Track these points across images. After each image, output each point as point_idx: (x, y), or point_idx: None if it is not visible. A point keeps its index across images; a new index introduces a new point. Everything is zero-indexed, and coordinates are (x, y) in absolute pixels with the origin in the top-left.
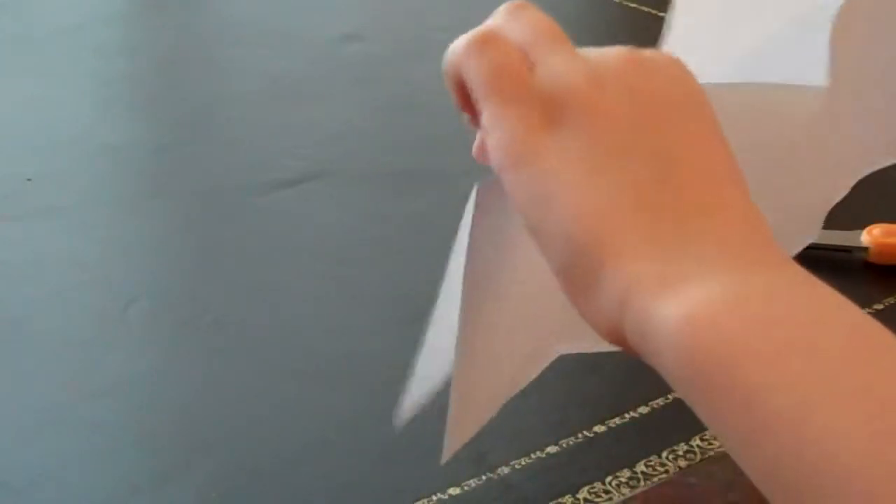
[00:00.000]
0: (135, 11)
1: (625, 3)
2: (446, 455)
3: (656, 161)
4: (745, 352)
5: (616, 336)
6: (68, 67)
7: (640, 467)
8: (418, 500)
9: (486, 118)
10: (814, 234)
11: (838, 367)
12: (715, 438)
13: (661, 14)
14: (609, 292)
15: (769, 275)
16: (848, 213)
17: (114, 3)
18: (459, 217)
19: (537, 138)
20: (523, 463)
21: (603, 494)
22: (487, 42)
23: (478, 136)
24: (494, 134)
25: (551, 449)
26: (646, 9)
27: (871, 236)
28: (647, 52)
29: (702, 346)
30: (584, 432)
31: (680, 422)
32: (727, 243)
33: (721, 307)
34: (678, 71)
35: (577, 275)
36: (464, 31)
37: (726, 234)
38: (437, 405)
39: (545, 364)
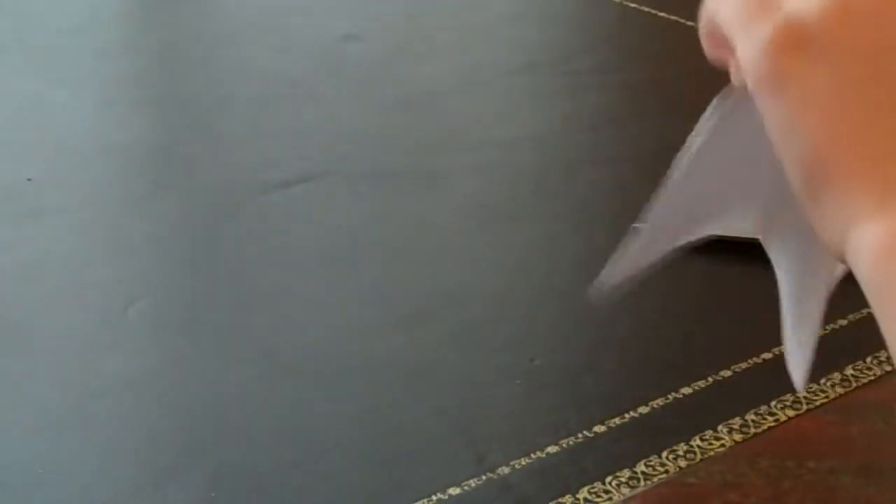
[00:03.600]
0: (135, 12)
1: (625, 2)
2: (802, 383)
3: (880, 91)
4: None
5: (839, 255)
6: (69, 68)
7: (640, 467)
8: (418, 500)
9: (739, 43)
10: None
11: None
12: (715, 438)
13: (661, 14)
14: (834, 230)
15: None
16: None
17: (114, 3)
18: (459, 217)
19: (785, 62)
20: (523, 463)
21: (603, 494)
22: None
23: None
24: (747, 51)
25: (551, 449)
26: (646, 9)
27: None
28: None
29: (884, 274)
30: (584, 432)
31: (680, 422)
32: None
33: None
34: None
35: (811, 196)
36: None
37: None
38: (437, 405)
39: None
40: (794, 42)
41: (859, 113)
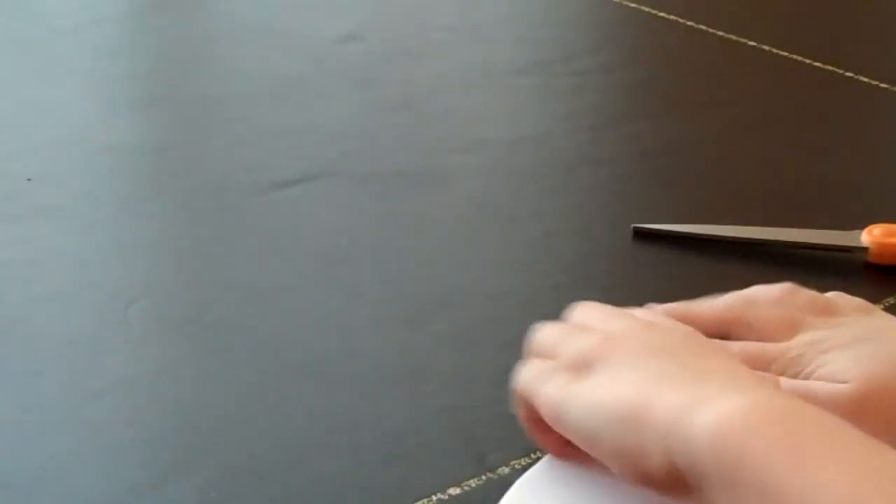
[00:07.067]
0: (135, 11)
1: (625, 2)
2: None
3: (664, 359)
4: (769, 446)
5: (672, 480)
6: (68, 68)
7: None
8: (418, 500)
9: (542, 393)
10: None
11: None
12: None
13: (662, 14)
14: (657, 439)
15: (775, 395)
16: (848, 213)
17: (114, 3)
18: (459, 217)
19: (572, 388)
20: (523, 463)
21: None
22: (528, 365)
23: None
24: (550, 390)
25: None
26: (646, 9)
27: (871, 236)
28: (659, 319)
29: (736, 441)
30: None
31: None
32: (730, 380)
33: (747, 412)
34: (675, 327)
35: (630, 444)
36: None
37: (726, 377)
38: (437, 405)
39: None
40: (578, 375)
41: (640, 378)
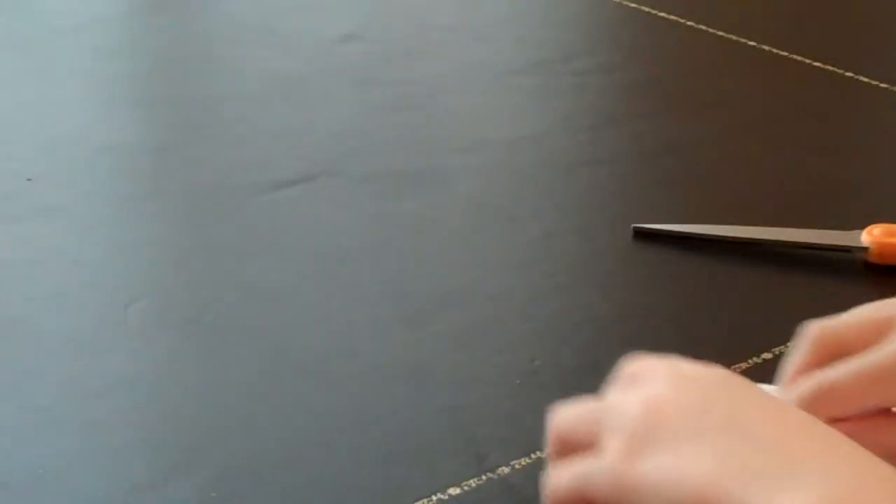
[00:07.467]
0: (135, 11)
1: (625, 2)
2: None
3: (721, 427)
4: None
5: None
6: (68, 68)
7: None
8: (418, 500)
9: (591, 479)
10: None
11: None
12: None
13: (662, 14)
14: None
15: (859, 474)
16: (848, 213)
17: (114, 3)
18: (459, 217)
19: (635, 472)
20: (523, 463)
21: None
22: (560, 464)
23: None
24: (602, 479)
25: None
26: (646, 9)
27: (871, 236)
28: (686, 365)
29: None
30: None
31: None
32: (800, 464)
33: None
34: (716, 373)
35: None
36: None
37: (805, 449)
38: (437, 405)
39: None
40: (634, 451)
41: (708, 454)
